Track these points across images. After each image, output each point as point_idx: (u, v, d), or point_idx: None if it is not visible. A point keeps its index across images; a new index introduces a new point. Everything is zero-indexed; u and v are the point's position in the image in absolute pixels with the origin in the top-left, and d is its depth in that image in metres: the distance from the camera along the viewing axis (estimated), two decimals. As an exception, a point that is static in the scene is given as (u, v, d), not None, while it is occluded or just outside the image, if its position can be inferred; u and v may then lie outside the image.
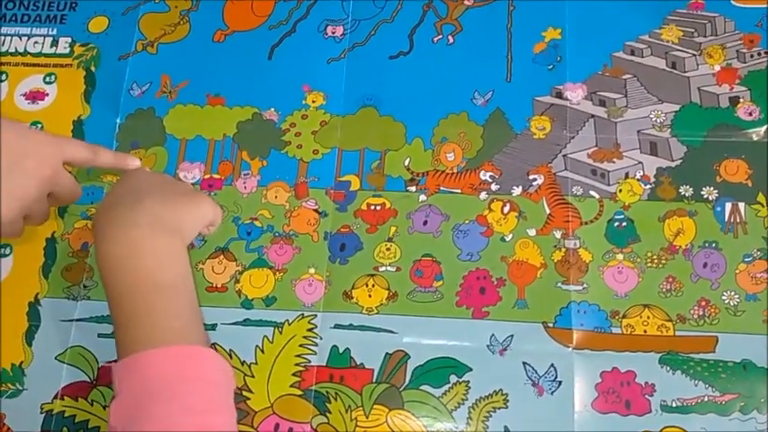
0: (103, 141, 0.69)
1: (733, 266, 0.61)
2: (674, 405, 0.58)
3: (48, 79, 0.72)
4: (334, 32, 0.72)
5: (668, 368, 0.59)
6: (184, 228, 0.56)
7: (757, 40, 0.69)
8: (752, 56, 0.68)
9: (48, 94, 0.71)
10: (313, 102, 0.70)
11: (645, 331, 0.60)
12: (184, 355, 0.50)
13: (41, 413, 0.61)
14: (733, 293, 0.61)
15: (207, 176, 0.67)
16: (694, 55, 0.69)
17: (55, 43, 0.73)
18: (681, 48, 0.69)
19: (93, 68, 0.72)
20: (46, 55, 0.73)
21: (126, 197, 0.56)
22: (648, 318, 0.60)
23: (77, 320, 0.63)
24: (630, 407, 0.58)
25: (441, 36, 0.71)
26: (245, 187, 0.67)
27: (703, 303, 0.61)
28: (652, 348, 0.59)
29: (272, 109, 0.70)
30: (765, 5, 0.70)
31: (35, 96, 0.71)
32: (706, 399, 0.58)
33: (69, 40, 0.73)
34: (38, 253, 0.65)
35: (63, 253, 0.66)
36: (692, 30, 0.70)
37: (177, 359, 0.49)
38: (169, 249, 0.54)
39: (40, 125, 0.70)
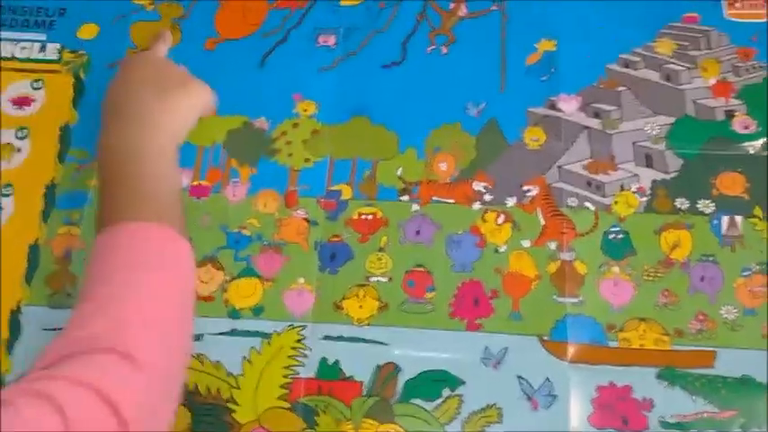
0: (91, 148, 0.68)
1: (731, 280, 0.61)
2: (672, 421, 0.57)
3: (35, 85, 0.71)
4: (326, 41, 0.72)
5: (666, 383, 0.58)
6: (170, 118, 0.61)
7: (752, 54, 0.68)
8: (747, 69, 0.68)
9: (35, 100, 0.70)
10: (304, 110, 0.69)
11: (642, 345, 0.59)
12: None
13: (19, 425, 0.59)
14: (731, 308, 0.60)
15: (195, 183, 0.66)
16: (689, 68, 0.68)
17: (43, 49, 0.72)
18: (675, 61, 0.69)
19: (81, 75, 0.71)
20: (34, 60, 0.72)
21: (123, 91, 0.61)
22: (645, 331, 0.59)
23: (60, 329, 0.61)
24: (628, 423, 0.57)
25: (434, 46, 0.71)
26: (234, 195, 0.66)
27: (701, 317, 0.60)
28: (649, 362, 0.58)
29: (263, 118, 0.69)
30: (758, 20, 0.70)
31: (22, 102, 0.70)
32: (705, 415, 0.57)
33: (58, 46, 0.72)
34: (20, 260, 0.64)
35: (46, 260, 0.64)
36: (686, 43, 0.69)
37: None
38: (158, 145, 0.58)
39: (26, 131, 0.69)
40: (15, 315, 0.62)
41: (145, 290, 0.50)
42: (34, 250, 0.64)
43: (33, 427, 0.40)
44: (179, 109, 0.62)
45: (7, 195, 0.66)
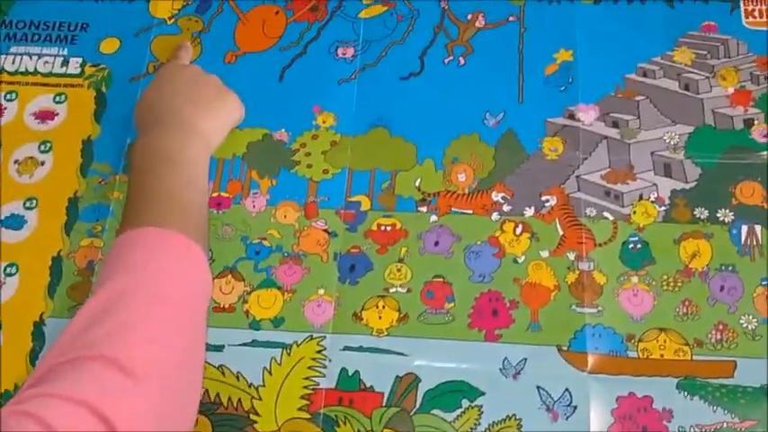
0: (113, 161, 0.69)
1: (750, 290, 0.60)
2: (692, 432, 0.56)
3: (58, 99, 0.71)
4: (345, 54, 0.72)
5: (686, 393, 0.57)
6: (208, 127, 0.62)
7: (771, 63, 0.68)
8: (766, 78, 0.68)
9: (57, 114, 0.71)
10: (324, 122, 0.69)
11: (662, 355, 0.59)
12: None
13: (43, 436, 0.59)
14: (751, 317, 0.60)
15: (215, 194, 0.66)
16: (707, 77, 0.68)
17: (65, 63, 0.73)
18: (693, 70, 0.69)
19: (103, 89, 0.72)
20: (56, 75, 0.72)
21: (159, 99, 0.63)
22: (665, 342, 0.59)
23: (82, 341, 0.62)
24: (648, 433, 0.56)
25: (452, 57, 0.71)
26: (254, 206, 0.66)
27: (721, 327, 0.59)
28: (669, 373, 0.58)
29: (283, 130, 0.69)
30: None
31: (44, 116, 0.70)
32: (725, 425, 0.56)
33: (80, 60, 0.73)
34: (43, 272, 0.64)
35: (69, 272, 0.65)
36: (705, 52, 0.69)
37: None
38: (195, 152, 0.60)
39: (49, 144, 0.69)
40: (39, 327, 0.63)
41: (152, 299, 0.49)
42: (57, 262, 0.65)
43: None
44: (216, 118, 0.63)
45: (31, 209, 0.67)
